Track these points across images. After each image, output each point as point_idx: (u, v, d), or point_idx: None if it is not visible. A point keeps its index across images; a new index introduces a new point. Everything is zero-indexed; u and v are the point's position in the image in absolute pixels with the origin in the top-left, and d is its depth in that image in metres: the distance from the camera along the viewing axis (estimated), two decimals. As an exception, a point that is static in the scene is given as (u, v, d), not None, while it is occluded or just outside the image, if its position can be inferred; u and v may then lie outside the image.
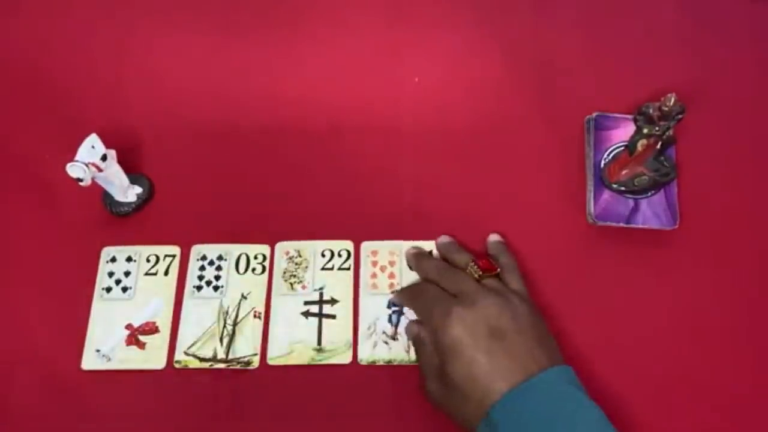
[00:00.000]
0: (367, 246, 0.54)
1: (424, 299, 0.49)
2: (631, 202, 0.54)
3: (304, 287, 0.53)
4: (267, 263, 0.53)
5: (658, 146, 0.50)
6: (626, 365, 0.50)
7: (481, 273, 0.48)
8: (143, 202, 0.55)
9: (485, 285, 0.48)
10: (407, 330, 0.50)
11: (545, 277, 0.53)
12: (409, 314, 0.51)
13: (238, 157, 0.58)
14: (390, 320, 0.51)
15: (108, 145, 0.50)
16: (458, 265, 0.50)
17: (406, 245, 0.54)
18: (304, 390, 0.49)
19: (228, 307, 0.52)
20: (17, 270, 0.54)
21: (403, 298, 0.51)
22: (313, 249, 0.54)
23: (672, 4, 0.63)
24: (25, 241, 0.55)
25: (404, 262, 0.53)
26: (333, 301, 0.52)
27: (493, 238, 0.53)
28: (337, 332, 0.51)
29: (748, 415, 0.49)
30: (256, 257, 0.54)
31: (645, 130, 0.49)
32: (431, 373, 0.47)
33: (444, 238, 0.53)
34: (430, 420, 0.48)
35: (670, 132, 0.49)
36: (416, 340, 0.49)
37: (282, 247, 0.54)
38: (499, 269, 0.49)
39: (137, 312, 0.52)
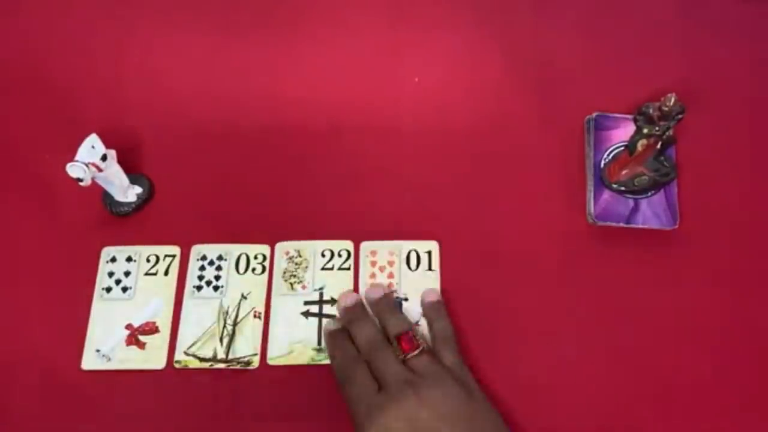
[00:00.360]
0: (366, 246, 0.54)
1: (351, 384, 0.46)
2: (631, 202, 0.54)
3: (304, 287, 0.53)
4: (267, 263, 0.53)
5: (658, 146, 0.50)
6: (626, 365, 0.50)
7: (403, 356, 0.46)
8: (143, 202, 0.55)
9: (411, 369, 0.45)
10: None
11: (545, 278, 0.53)
12: (410, 309, 0.51)
13: (238, 157, 0.58)
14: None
15: (108, 145, 0.50)
16: (389, 335, 0.48)
17: (406, 245, 0.54)
18: (304, 390, 0.49)
19: (228, 307, 0.52)
20: (17, 270, 0.54)
21: (333, 362, 0.48)
22: (313, 249, 0.54)
23: (672, 5, 0.63)
24: (25, 241, 0.55)
25: (403, 262, 0.53)
26: (333, 301, 0.52)
27: (429, 297, 0.50)
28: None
29: (748, 416, 0.49)
30: (256, 257, 0.54)
31: (645, 130, 0.49)
32: None
33: (374, 292, 0.50)
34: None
35: (670, 132, 0.49)
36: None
37: (282, 247, 0.54)
38: (422, 346, 0.47)
39: (137, 312, 0.52)
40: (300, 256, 0.54)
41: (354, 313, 0.50)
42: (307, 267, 0.53)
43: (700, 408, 0.49)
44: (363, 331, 0.48)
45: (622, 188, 0.53)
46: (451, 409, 0.43)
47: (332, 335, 0.49)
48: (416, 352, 0.46)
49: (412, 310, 0.51)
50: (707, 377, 0.50)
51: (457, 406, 0.44)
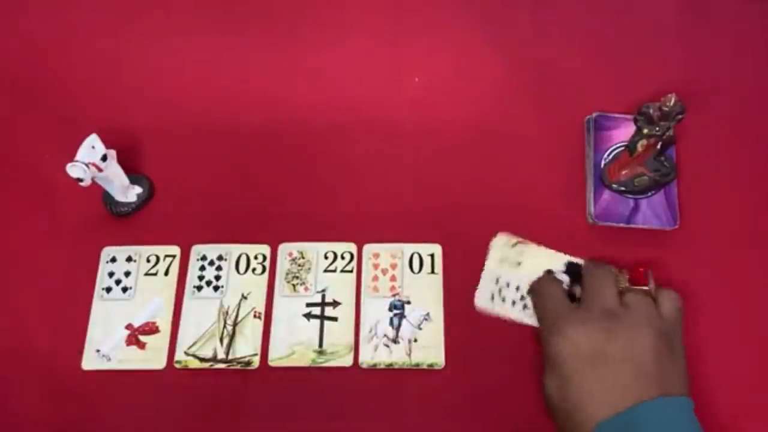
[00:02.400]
0: (368, 248, 0.54)
1: (543, 299, 0.47)
2: (631, 202, 0.54)
3: (306, 289, 0.53)
4: (267, 263, 0.53)
5: (658, 146, 0.50)
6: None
7: (629, 284, 0.46)
8: (143, 202, 0.55)
9: (624, 301, 0.44)
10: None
11: (545, 277, 0.53)
12: (411, 317, 0.51)
13: (238, 157, 0.58)
14: (391, 323, 0.51)
15: (108, 145, 0.50)
16: (611, 272, 0.47)
17: (408, 248, 0.54)
18: (304, 392, 0.49)
19: (228, 307, 0.52)
20: (17, 270, 0.54)
21: (531, 286, 0.49)
22: (315, 251, 0.54)
23: (672, 4, 0.63)
24: (25, 241, 0.55)
25: (406, 265, 0.53)
26: (335, 304, 0.52)
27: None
28: (339, 335, 0.51)
29: (748, 416, 0.49)
30: (256, 257, 0.54)
31: (645, 130, 0.49)
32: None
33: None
34: (431, 424, 0.48)
35: (670, 132, 0.49)
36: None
37: (285, 248, 0.54)
38: (650, 286, 0.46)
39: (137, 312, 0.52)
40: (303, 257, 0.53)
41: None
42: (309, 269, 0.53)
43: (699, 408, 0.49)
44: (598, 266, 0.48)
45: (622, 188, 0.53)
46: (642, 361, 0.42)
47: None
48: (646, 287, 0.46)
49: (415, 312, 0.51)
50: (707, 377, 0.50)
51: (651, 360, 0.42)
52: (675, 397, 0.41)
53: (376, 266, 0.53)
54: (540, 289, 0.48)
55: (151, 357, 0.50)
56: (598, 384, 0.41)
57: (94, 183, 0.50)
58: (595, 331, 0.43)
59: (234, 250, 0.54)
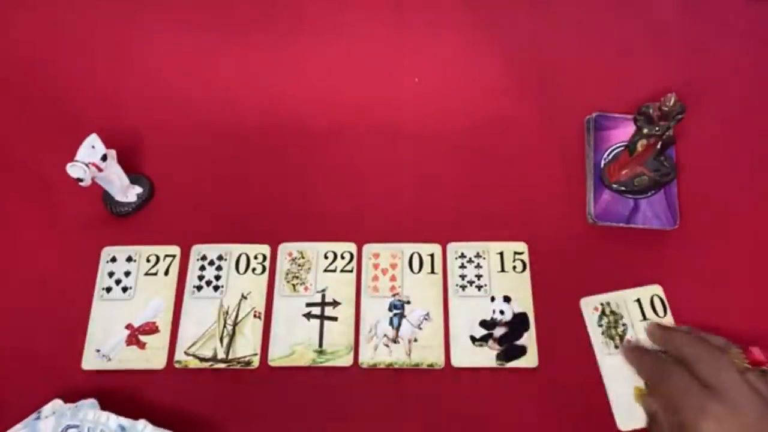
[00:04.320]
0: (368, 248, 0.54)
1: (672, 382, 0.42)
2: (631, 202, 0.54)
3: (306, 289, 0.53)
4: (267, 263, 0.53)
5: (658, 146, 0.50)
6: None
7: (748, 365, 0.41)
8: (143, 202, 0.55)
9: (749, 382, 0.40)
10: (644, 403, 0.45)
11: (545, 277, 0.53)
12: (411, 317, 0.51)
13: (238, 157, 0.58)
14: (391, 323, 0.51)
15: (108, 145, 0.50)
16: (716, 347, 0.43)
17: (408, 248, 0.54)
18: (304, 392, 0.49)
19: (228, 307, 0.52)
20: (17, 270, 0.54)
21: (640, 366, 0.46)
22: (315, 251, 0.54)
23: (672, 4, 0.63)
24: (25, 242, 0.55)
25: (406, 265, 0.53)
26: (335, 303, 0.52)
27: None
28: (339, 335, 0.51)
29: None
30: (256, 257, 0.53)
31: (645, 130, 0.49)
32: None
33: (684, 328, 0.47)
34: (431, 424, 0.48)
35: (670, 132, 0.49)
36: (652, 417, 0.44)
37: (285, 248, 0.54)
38: None
39: (137, 312, 0.52)
40: (303, 257, 0.53)
41: (665, 328, 0.47)
42: (309, 269, 0.53)
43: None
44: (686, 338, 0.44)
45: (622, 188, 0.53)
46: None
47: (633, 348, 0.47)
48: (765, 368, 0.42)
49: (415, 312, 0.51)
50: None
51: None
52: None
53: (376, 266, 0.53)
54: (662, 367, 0.44)
55: (151, 357, 0.50)
56: None
57: (94, 183, 0.50)
58: (750, 418, 0.39)
59: (234, 250, 0.54)
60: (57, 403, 0.45)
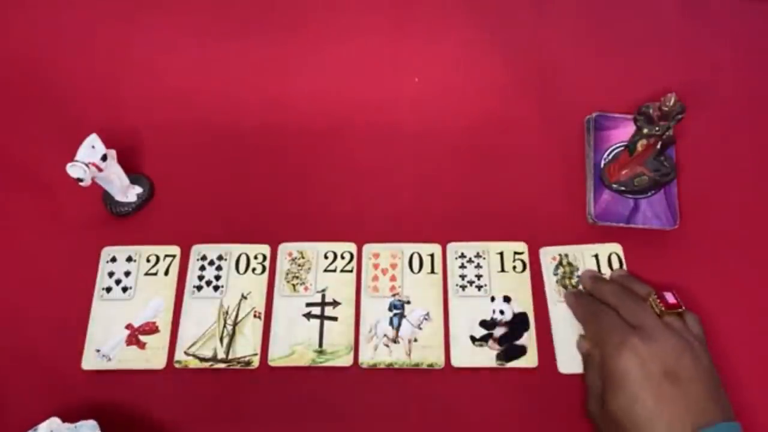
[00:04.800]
0: (368, 248, 0.54)
1: (600, 321, 0.47)
2: (631, 202, 0.54)
3: (306, 289, 0.53)
4: (267, 263, 0.53)
5: (658, 146, 0.50)
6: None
7: (663, 309, 0.46)
8: (143, 202, 0.55)
9: (667, 323, 0.45)
10: (578, 345, 0.49)
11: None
12: (411, 317, 0.51)
13: (238, 157, 0.58)
14: (391, 323, 0.51)
15: (108, 145, 0.50)
16: (638, 295, 0.48)
17: (407, 248, 0.54)
18: (304, 392, 0.49)
19: (228, 307, 0.52)
20: (17, 270, 0.54)
21: (575, 308, 0.50)
22: (315, 251, 0.54)
23: (672, 4, 0.63)
24: (26, 241, 0.55)
25: (406, 265, 0.53)
26: (335, 303, 0.52)
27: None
28: (339, 335, 0.51)
29: (748, 415, 0.49)
30: (256, 257, 0.54)
31: (645, 130, 0.49)
32: (594, 393, 0.46)
33: (618, 271, 0.52)
34: (431, 424, 0.48)
35: (670, 132, 0.49)
36: (586, 358, 0.48)
37: (285, 248, 0.54)
38: (682, 308, 0.47)
39: (137, 312, 0.52)
40: (303, 257, 0.53)
41: (596, 278, 0.51)
42: (309, 268, 0.53)
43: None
44: (611, 286, 0.49)
45: (622, 188, 0.53)
46: (707, 383, 0.42)
47: (572, 293, 0.51)
48: (680, 309, 0.46)
49: (415, 312, 0.51)
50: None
51: (714, 382, 0.43)
52: (734, 423, 0.42)
53: (376, 266, 0.53)
54: (593, 309, 0.48)
55: (151, 357, 0.50)
56: (669, 404, 0.41)
57: (94, 183, 0.50)
58: (665, 350, 0.43)
59: (234, 250, 0.54)
60: (54, 421, 0.44)
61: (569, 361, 0.49)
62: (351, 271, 0.53)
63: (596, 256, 0.53)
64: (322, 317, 0.52)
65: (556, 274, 0.52)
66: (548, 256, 0.53)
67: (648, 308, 0.46)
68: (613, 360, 0.43)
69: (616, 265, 0.53)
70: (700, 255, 0.53)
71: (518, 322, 0.51)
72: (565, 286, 0.52)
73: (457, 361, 0.50)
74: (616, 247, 0.53)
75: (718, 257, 0.53)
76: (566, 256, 0.53)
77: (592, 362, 0.47)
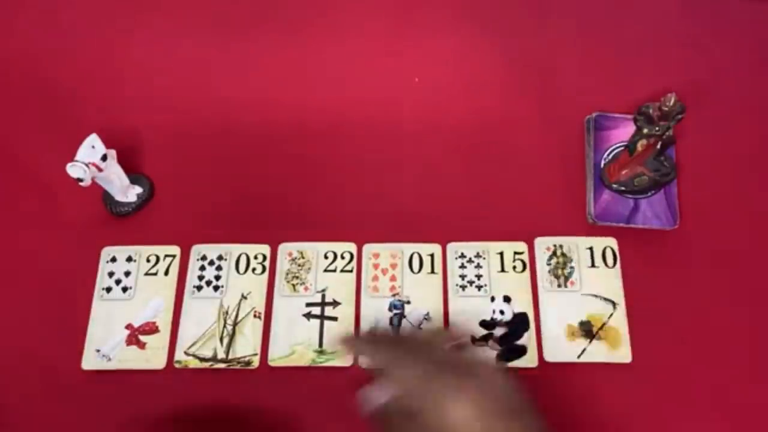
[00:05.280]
0: (368, 248, 0.54)
1: (407, 367, 0.39)
2: (631, 202, 0.54)
3: (306, 289, 0.52)
4: (267, 263, 0.53)
5: (658, 146, 0.50)
6: (626, 365, 0.50)
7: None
8: (143, 202, 0.55)
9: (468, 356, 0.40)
10: (367, 399, 0.40)
11: (545, 277, 0.53)
12: (411, 317, 0.51)
13: (238, 157, 0.58)
14: (391, 323, 0.51)
15: (108, 145, 0.50)
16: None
17: (408, 248, 0.54)
18: (304, 391, 0.49)
19: (228, 307, 0.52)
20: (17, 270, 0.54)
21: (372, 356, 0.42)
22: (315, 251, 0.54)
23: (673, 5, 0.63)
24: (25, 242, 0.55)
25: (406, 265, 0.53)
26: (335, 303, 0.52)
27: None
28: (339, 334, 0.51)
29: (748, 415, 0.49)
30: (256, 257, 0.53)
31: (645, 130, 0.49)
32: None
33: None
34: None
35: (670, 132, 0.49)
36: (385, 420, 0.39)
37: (285, 248, 0.54)
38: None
39: (137, 312, 0.52)
40: (303, 257, 0.53)
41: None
42: (309, 269, 0.53)
43: (699, 407, 0.49)
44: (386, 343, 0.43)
45: (622, 188, 0.53)
46: (524, 402, 0.38)
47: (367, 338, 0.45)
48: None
49: (415, 312, 0.51)
50: (707, 375, 0.50)
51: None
52: None
53: (376, 266, 0.53)
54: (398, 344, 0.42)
55: (151, 357, 0.50)
56: None
57: (94, 183, 0.50)
58: (492, 382, 0.37)
59: (234, 250, 0.54)
60: None
61: (554, 349, 0.50)
62: (351, 271, 0.53)
63: (591, 249, 0.53)
64: (322, 317, 0.52)
65: (549, 264, 0.52)
66: (543, 246, 0.53)
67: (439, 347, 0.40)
68: (442, 412, 0.36)
69: (610, 259, 0.53)
70: (700, 255, 0.53)
71: (518, 322, 0.51)
72: (556, 276, 0.52)
73: (457, 361, 0.50)
74: (611, 241, 0.53)
75: (718, 257, 0.53)
76: (560, 246, 0.53)
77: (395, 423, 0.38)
